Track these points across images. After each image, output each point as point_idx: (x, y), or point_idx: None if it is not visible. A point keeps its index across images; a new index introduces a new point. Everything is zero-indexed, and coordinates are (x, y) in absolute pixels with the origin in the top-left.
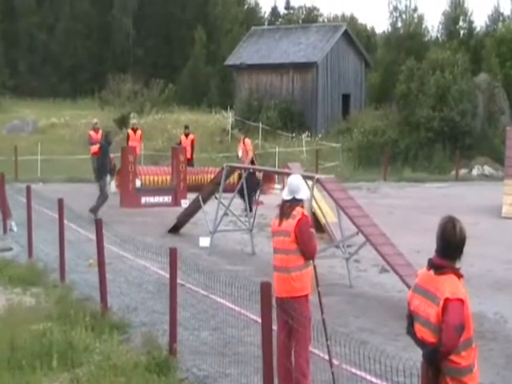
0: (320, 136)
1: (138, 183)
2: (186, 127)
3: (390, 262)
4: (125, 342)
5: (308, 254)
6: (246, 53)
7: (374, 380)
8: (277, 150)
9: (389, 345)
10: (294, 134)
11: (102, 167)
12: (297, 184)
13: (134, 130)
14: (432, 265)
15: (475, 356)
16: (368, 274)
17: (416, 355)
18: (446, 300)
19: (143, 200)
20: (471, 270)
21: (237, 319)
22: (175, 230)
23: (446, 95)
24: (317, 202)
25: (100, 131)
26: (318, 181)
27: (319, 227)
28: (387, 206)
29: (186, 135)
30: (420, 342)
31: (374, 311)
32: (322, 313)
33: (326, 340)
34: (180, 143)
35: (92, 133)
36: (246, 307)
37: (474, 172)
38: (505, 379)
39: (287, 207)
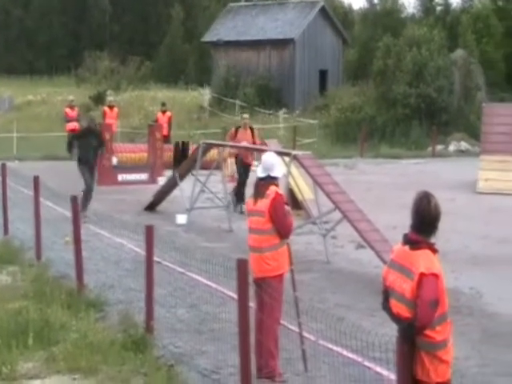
0: (297, 112)
1: (114, 161)
2: (163, 104)
3: (366, 237)
4: (101, 319)
5: (283, 232)
6: (223, 29)
7: (350, 355)
8: (254, 126)
9: (365, 320)
10: (271, 111)
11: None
12: (271, 161)
13: (111, 108)
14: (407, 240)
15: (450, 331)
16: (345, 250)
17: (392, 330)
18: (421, 275)
19: (120, 177)
20: (447, 245)
21: (214, 296)
22: (152, 207)
23: (422, 72)
24: (294, 179)
25: (76, 108)
26: (295, 157)
27: (296, 204)
28: (364, 182)
29: (163, 112)
30: (395, 318)
31: (350, 287)
32: (295, 290)
33: (298, 318)
34: (157, 120)
35: (68, 110)
36: (223, 284)
37: (451, 148)
38: (480, 353)
39: (261, 186)
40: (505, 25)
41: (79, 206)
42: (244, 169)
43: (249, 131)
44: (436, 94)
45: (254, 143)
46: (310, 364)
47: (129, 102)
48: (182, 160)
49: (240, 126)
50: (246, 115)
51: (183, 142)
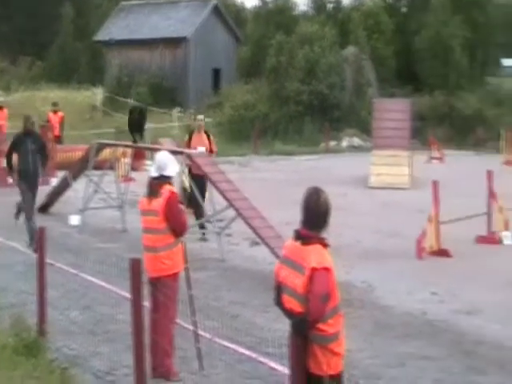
0: (191, 111)
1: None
2: (54, 104)
3: (260, 234)
4: None
5: (178, 231)
6: (115, 28)
7: (245, 352)
8: (148, 126)
9: (260, 317)
10: (165, 110)
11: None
12: (164, 161)
13: (1, 109)
14: (298, 236)
15: (342, 323)
16: (240, 247)
17: (285, 326)
18: (312, 269)
19: (11, 179)
20: (339, 240)
21: (108, 297)
22: (45, 208)
23: (314, 69)
24: (188, 178)
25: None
26: (188, 156)
27: (191, 203)
28: (258, 179)
29: (55, 112)
30: (288, 313)
31: (245, 284)
32: (190, 289)
33: (192, 316)
34: (49, 121)
35: None
36: (117, 285)
37: (343, 144)
38: (372, 345)
39: (155, 185)
40: (395, 21)
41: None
42: (195, 183)
43: (204, 136)
44: (328, 90)
45: (210, 150)
46: (206, 362)
47: (20, 102)
48: (139, 128)
49: (193, 131)
50: (200, 116)
51: (141, 109)
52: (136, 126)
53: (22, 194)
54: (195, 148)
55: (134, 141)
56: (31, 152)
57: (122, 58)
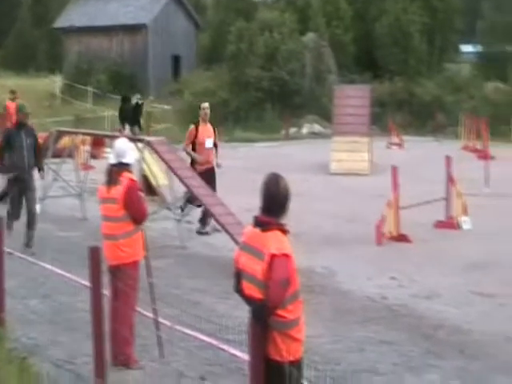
0: (151, 98)
1: None
2: (12, 92)
3: (220, 221)
4: None
5: (138, 219)
6: (74, 15)
7: (206, 339)
8: (108, 113)
9: (220, 304)
10: None
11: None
12: (123, 148)
13: None
14: (257, 222)
15: (301, 309)
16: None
17: (246, 313)
18: (272, 256)
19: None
20: (300, 226)
21: (68, 286)
22: (2, 198)
23: (274, 55)
24: (148, 165)
25: None
26: (148, 143)
27: (151, 190)
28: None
29: (12, 100)
30: (248, 299)
31: (206, 271)
32: (151, 277)
33: (153, 304)
34: (6, 109)
35: None
36: (77, 273)
37: (304, 130)
38: (332, 331)
39: (114, 173)
40: (354, 8)
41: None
42: (202, 176)
43: (210, 126)
44: (288, 77)
45: (215, 144)
46: (166, 349)
47: None
48: (135, 117)
49: (198, 121)
50: (205, 104)
51: (137, 103)
52: (130, 119)
53: (10, 200)
54: (203, 140)
55: (121, 130)
56: (26, 148)
57: (81, 46)
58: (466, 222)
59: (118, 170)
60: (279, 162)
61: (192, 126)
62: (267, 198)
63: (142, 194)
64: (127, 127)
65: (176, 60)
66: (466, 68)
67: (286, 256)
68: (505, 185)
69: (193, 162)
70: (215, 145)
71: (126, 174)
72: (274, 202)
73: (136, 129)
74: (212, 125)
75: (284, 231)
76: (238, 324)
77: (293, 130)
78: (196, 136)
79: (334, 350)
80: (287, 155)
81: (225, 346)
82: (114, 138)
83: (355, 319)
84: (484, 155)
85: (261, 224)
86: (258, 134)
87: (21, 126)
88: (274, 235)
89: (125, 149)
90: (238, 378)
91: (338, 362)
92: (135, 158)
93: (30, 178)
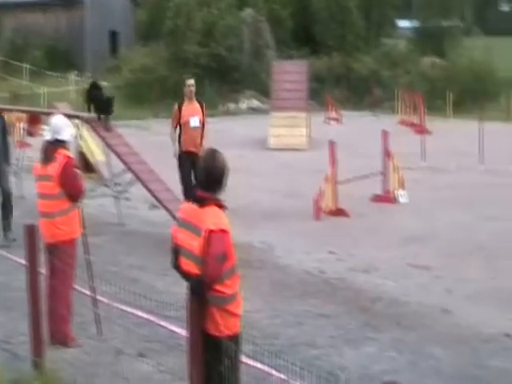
0: (88, 75)
1: None
2: None
3: (158, 197)
4: None
5: (74, 196)
6: None
7: (144, 316)
8: (44, 90)
9: (159, 280)
10: (61, 74)
11: None
12: (59, 125)
13: None
14: (194, 198)
15: (238, 284)
16: (138, 211)
17: (184, 289)
18: (209, 231)
19: None
20: (239, 201)
21: (4, 264)
22: None
23: (212, 31)
24: (85, 142)
25: None
26: (85, 120)
27: (89, 167)
28: (158, 143)
29: None
30: (185, 275)
31: (144, 248)
32: (88, 254)
33: (90, 281)
34: None
35: None
36: (13, 252)
37: (242, 106)
38: (271, 305)
39: (50, 150)
40: None
41: None
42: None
43: (196, 104)
44: (226, 52)
45: (203, 123)
46: (104, 327)
47: None
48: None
49: (183, 100)
50: (190, 81)
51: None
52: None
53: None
54: (187, 120)
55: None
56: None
57: (17, 21)
58: (402, 196)
59: (53, 146)
60: (218, 137)
61: (175, 107)
62: (204, 173)
63: (78, 171)
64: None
65: (113, 36)
66: (403, 43)
67: (223, 231)
68: (440, 159)
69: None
70: (203, 125)
71: (61, 151)
72: (211, 177)
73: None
74: (199, 102)
75: (221, 206)
76: (177, 300)
77: (231, 106)
78: (180, 116)
79: (273, 324)
80: (226, 131)
81: (163, 323)
82: (50, 114)
83: (294, 293)
84: (420, 129)
85: (198, 199)
86: None
87: None
88: (211, 211)
89: (61, 125)
90: (176, 354)
91: (277, 336)
92: (72, 135)
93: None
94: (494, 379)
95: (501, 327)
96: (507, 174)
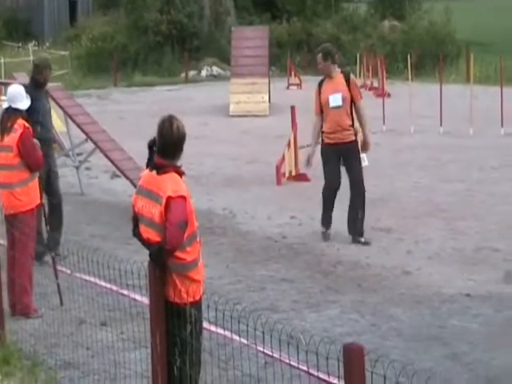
0: (48, 44)
1: None
2: None
3: (119, 167)
4: None
5: (33, 166)
6: None
7: (106, 285)
8: (2, 60)
9: (121, 249)
10: (20, 44)
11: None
12: (15, 94)
13: None
14: (153, 165)
15: (199, 250)
16: (99, 180)
17: (146, 257)
18: (168, 198)
19: None
20: (201, 168)
21: None
22: None
23: None
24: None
25: None
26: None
27: None
28: (118, 112)
29: None
30: (146, 243)
31: (105, 217)
32: (47, 225)
33: (50, 252)
34: None
35: None
36: None
37: (203, 73)
38: (233, 271)
39: (7, 119)
40: None
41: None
42: None
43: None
44: (187, 19)
45: None
46: (65, 297)
47: None
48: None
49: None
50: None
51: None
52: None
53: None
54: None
55: None
56: None
57: None
58: (363, 159)
59: (11, 116)
60: (179, 105)
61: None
62: (162, 140)
63: (37, 141)
64: None
65: (72, 5)
66: (363, 7)
67: (183, 198)
68: (401, 122)
69: None
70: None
71: (20, 122)
72: (169, 144)
73: None
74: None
75: (180, 173)
76: (139, 269)
77: (192, 73)
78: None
79: (235, 290)
80: (187, 98)
81: (125, 291)
82: (9, 85)
83: (256, 259)
84: (381, 93)
85: (157, 167)
86: (157, 78)
87: None
88: (170, 177)
89: (17, 94)
90: (139, 323)
91: (239, 301)
92: (28, 105)
93: None
94: (454, 339)
95: (461, 287)
96: (466, 136)
